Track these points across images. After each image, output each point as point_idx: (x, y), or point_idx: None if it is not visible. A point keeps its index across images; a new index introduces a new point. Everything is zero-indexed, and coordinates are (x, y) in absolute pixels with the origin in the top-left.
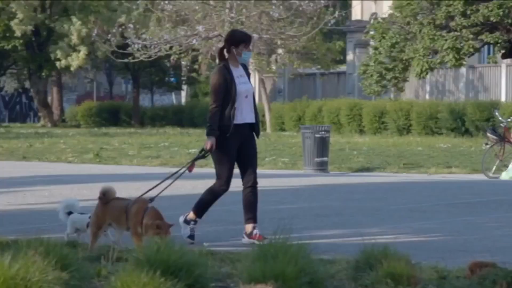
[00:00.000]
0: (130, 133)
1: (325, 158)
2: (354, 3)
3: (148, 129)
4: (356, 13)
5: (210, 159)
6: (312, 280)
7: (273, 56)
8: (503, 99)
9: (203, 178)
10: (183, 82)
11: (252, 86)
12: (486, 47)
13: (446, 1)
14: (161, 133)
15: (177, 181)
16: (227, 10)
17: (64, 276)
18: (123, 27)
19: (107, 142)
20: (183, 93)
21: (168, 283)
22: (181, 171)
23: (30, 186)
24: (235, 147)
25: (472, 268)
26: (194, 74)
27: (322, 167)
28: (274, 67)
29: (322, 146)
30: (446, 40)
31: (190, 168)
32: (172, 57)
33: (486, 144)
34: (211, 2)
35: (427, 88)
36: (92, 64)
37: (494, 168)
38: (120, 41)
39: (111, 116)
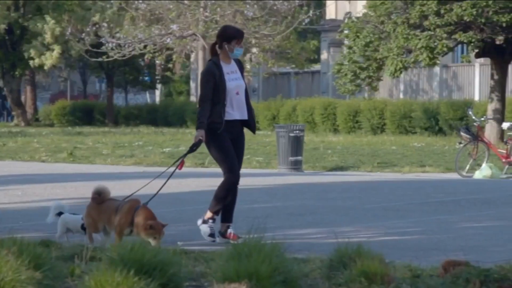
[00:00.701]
0: (104, 132)
1: (299, 157)
2: (328, 2)
3: (122, 128)
4: (330, 12)
5: (195, 154)
6: (286, 279)
7: (248, 55)
8: (476, 98)
9: (177, 178)
10: (157, 81)
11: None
12: (459, 46)
13: (420, 1)
14: (135, 132)
15: (152, 182)
16: (201, 9)
17: (38, 276)
18: (97, 26)
19: (81, 141)
20: (157, 92)
21: (141, 282)
22: (172, 169)
23: (3, 185)
24: (228, 139)
25: (446, 267)
26: (168, 73)
27: (297, 166)
28: (248, 66)
29: (297, 145)
30: (420, 39)
31: (179, 166)
32: (146, 56)
33: (460, 143)
34: (185, 1)
35: (401, 87)
36: (66, 63)
37: (467, 167)
38: (94, 40)
39: (85, 115)
